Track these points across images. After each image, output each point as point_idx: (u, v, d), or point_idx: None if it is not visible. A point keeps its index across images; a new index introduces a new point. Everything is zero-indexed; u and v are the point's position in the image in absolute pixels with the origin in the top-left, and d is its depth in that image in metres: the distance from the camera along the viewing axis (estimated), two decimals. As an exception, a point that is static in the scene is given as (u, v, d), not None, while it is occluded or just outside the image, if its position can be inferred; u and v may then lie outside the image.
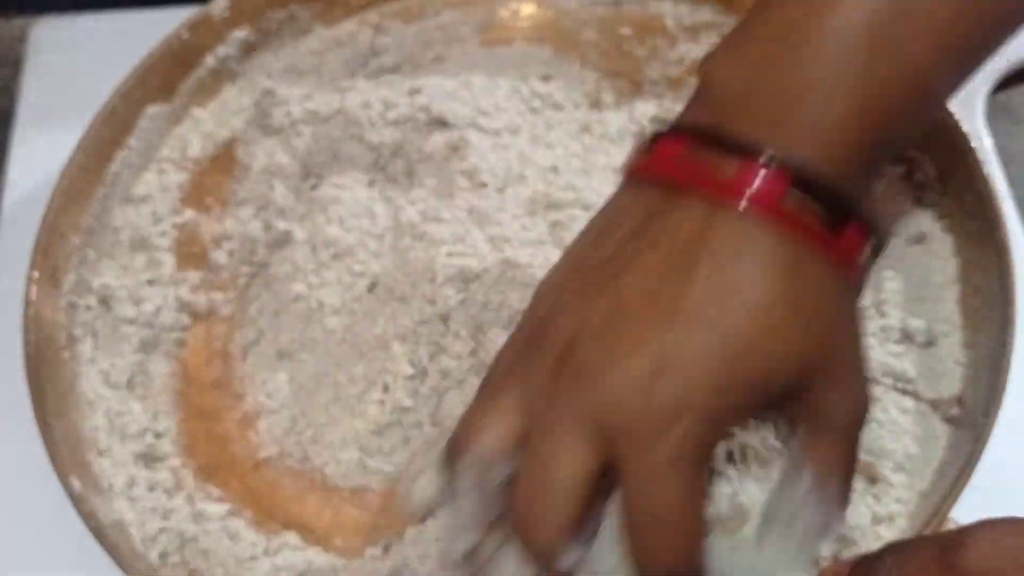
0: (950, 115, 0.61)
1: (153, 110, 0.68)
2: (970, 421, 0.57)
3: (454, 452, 0.46)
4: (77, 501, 0.54)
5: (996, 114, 0.74)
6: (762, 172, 0.43)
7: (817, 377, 0.45)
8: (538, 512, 0.44)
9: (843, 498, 0.48)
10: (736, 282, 0.43)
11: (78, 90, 0.66)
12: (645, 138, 0.48)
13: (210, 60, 0.70)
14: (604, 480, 0.44)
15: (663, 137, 0.47)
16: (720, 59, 0.47)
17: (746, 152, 0.44)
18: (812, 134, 0.44)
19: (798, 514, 0.47)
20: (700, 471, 0.44)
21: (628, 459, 0.43)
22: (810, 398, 0.46)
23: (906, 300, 0.61)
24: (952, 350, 0.59)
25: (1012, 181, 0.71)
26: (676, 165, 0.46)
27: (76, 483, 0.55)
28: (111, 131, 0.66)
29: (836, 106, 0.44)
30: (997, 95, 0.75)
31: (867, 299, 0.60)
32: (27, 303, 0.59)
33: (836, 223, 0.45)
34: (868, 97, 0.45)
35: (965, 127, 0.61)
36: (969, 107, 0.71)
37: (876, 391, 0.58)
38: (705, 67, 0.48)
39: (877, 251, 0.47)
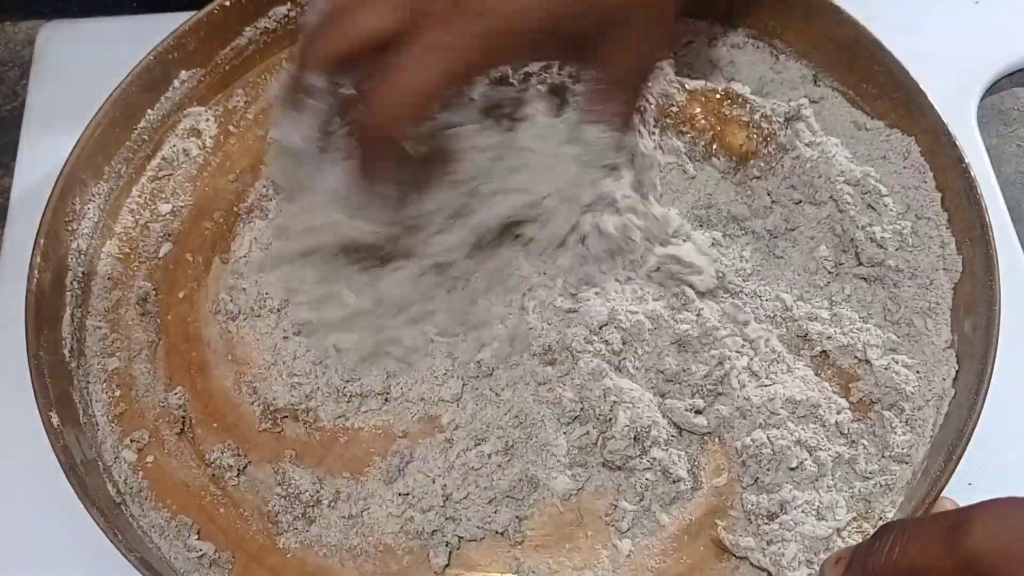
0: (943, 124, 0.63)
1: (187, 74, 0.69)
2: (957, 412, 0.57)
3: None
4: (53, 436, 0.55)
5: (988, 116, 0.76)
6: None
7: (610, 35, 0.54)
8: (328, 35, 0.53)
9: (624, 123, 0.58)
10: None
11: (84, 92, 0.67)
12: None
13: (249, 32, 0.72)
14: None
15: None
16: None
17: None
18: None
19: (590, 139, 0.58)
20: (459, 71, 0.52)
21: (421, 35, 0.51)
22: (602, 53, 0.55)
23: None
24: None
25: (1004, 182, 0.72)
26: None
27: (55, 418, 0.56)
28: (141, 89, 0.67)
29: None
30: (989, 98, 0.77)
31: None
32: (35, 248, 0.61)
33: None
34: None
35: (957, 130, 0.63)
36: (961, 109, 0.73)
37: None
38: None
39: None
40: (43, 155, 0.72)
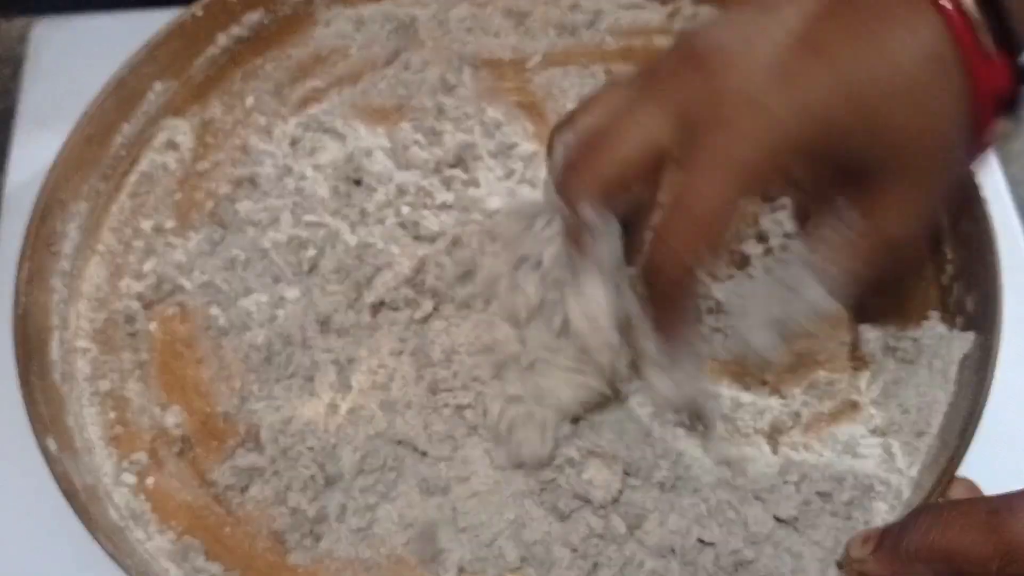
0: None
1: (161, 86, 0.68)
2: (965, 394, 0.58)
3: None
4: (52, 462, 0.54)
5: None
6: None
7: (890, 170, 0.45)
8: (602, 147, 0.46)
9: (841, 285, 0.48)
10: (886, 46, 0.44)
11: (78, 89, 0.66)
12: None
13: (223, 40, 0.71)
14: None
15: None
16: None
17: None
18: None
19: (798, 281, 0.48)
20: (749, 186, 0.45)
21: (702, 145, 0.44)
22: (872, 187, 0.46)
23: None
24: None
25: (1012, 181, 0.72)
26: None
27: (52, 444, 0.55)
28: (117, 103, 0.66)
29: None
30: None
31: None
32: (19, 271, 0.59)
33: (996, 51, 0.44)
34: None
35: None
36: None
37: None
38: None
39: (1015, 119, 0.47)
40: (36, 153, 0.69)
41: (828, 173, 0.46)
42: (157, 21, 0.68)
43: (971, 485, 0.53)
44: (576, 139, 0.48)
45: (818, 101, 0.43)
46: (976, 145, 0.47)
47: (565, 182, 0.47)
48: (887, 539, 0.47)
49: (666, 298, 0.47)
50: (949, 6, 0.43)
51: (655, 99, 0.46)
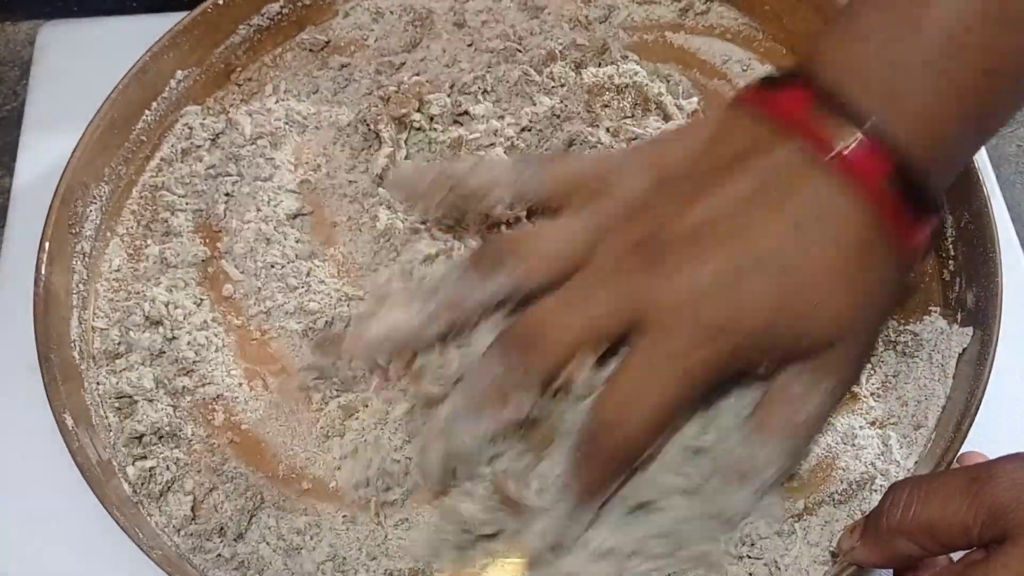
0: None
1: (182, 74, 0.70)
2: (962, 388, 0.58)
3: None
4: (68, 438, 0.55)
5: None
6: (868, 145, 0.46)
7: (831, 343, 0.48)
8: (557, 323, 0.48)
9: (772, 459, 0.51)
10: (812, 240, 0.46)
11: (84, 92, 0.66)
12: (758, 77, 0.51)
13: (243, 29, 0.72)
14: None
15: (789, 83, 0.49)
16: (831, 35, 0.49)
17: (859, 121, 0.46)
18: (919, 116, 0.46)
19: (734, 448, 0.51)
20: (691, 391, 0.48)
21: (647, 344, 0.47)
22: (814, 357, 0.49)
23: None
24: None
25: (1003, 182, 0.73)
26: (798, 111, 0.47)
27: (69, 420, 0.57)
28: (140, 89, 0.67)
29: (945, 88, 0.46)
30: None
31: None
32: (40, 252, 0.61)
33: (918, 215, 0.47)
34: (974, 84, 0.46)
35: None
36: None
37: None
38: (814, 42, 0.50)
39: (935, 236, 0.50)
40: (43, 155, 0.72)
41: (774, 361, 0.49)
42: (161, 25, 0.69)
43: (981, 456, 0.54)
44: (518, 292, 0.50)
45: (755, 309, 0.46)
46: (907, 269, 0.51)
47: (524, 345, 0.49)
48: (871, 520, 0.48)
49: (593, 463, 0.49)
50: (868, 189, 0.46)
51: (611, 286, 0.48)
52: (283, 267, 0.63)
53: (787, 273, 0.46)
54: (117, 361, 0.61)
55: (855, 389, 0.60)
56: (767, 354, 0.49)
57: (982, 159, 0.70)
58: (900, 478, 0.56)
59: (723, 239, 0.47)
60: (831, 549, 0.54)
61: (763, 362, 0.49)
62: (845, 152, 0.46)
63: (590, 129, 0.65)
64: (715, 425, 0.52)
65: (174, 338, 0.62)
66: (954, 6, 0.45)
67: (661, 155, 0.52)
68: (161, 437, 0.59)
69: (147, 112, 0.68)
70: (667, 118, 0.67)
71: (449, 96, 0.68)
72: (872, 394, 0.60)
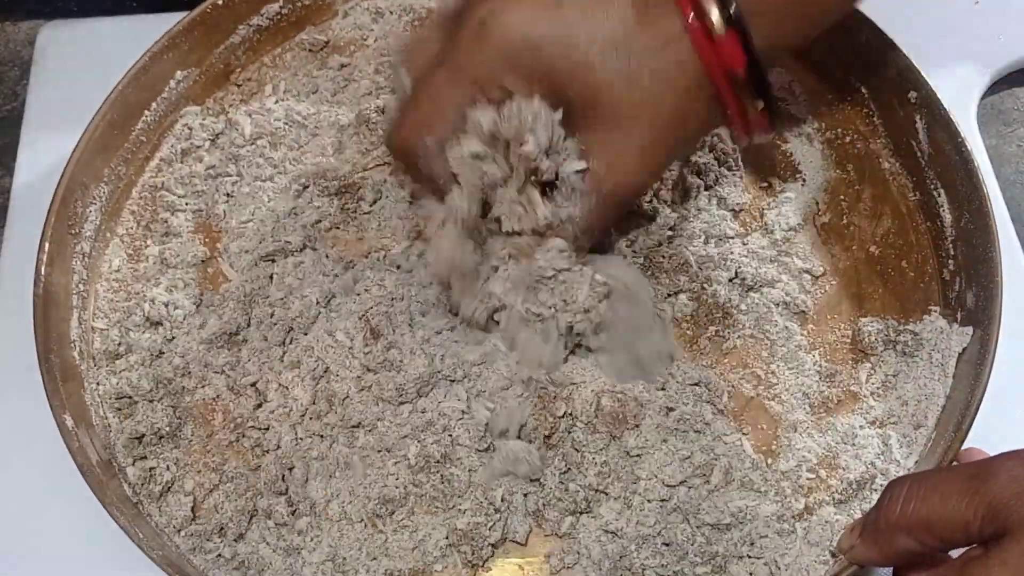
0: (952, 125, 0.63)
1: (181, 74, 0.70)
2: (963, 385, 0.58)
3: None
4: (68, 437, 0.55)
5: (988, 116, 0.77)
6: None
7: (601, 118, 0.52)
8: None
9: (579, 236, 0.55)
10: (613, 15, 0.51)
11: (84, 92, 0.67)
12: None
13: (243, 30, 0.72)
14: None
15: None
16: None
17: None
18: None
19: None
20: (469, 87, 0.52)
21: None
22: (589, 134, 0.53)
23: None
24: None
25: (1004, 182, 0.72)
26: None
27: (69, 420, 0.57)
28: (139, 90, 0.67)
29: None
30: (989, 98, 0.77)
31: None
32: (40, 253, 0.60)
33: (724, 30, 0.50)
34: None
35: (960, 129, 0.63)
36: (962, 110, 0.73)
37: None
38: None
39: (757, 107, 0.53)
40: (43, 155, 0.72)
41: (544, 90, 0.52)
42: (161, 25, 0.69)
43: (981, 452, 0.54)
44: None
45: (539, 36, 0.51)
46: (737, 125, 0.54)
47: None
48: (870, 517, 0.48)
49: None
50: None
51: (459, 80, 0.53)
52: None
53: (582, 26, 0.51)
54: (117, 362, 0.61)
55: (854, 389, 0.60)
56: (536, 82, 0.52)
57: (982, 159, 0.71)
58: (901, 477, 0.56)
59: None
60: (831, 549, 0.54)
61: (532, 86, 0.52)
62: None
63: None
64: None
65: (173, 338, 0.62)
66: None
67: None
68: (161, 437, 0.59)
69: (146, 113, 0.68)
70: None
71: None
72: (872, 394, 0.60)
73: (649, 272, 0.62)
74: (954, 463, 0.54)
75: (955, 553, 0.46)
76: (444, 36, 0.55)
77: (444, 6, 0.58)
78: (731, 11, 0.49)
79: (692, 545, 0.55)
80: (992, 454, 0.46)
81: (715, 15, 0.49)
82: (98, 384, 0.61)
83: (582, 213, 0.55)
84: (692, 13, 0.50)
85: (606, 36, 0.51)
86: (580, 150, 0.54)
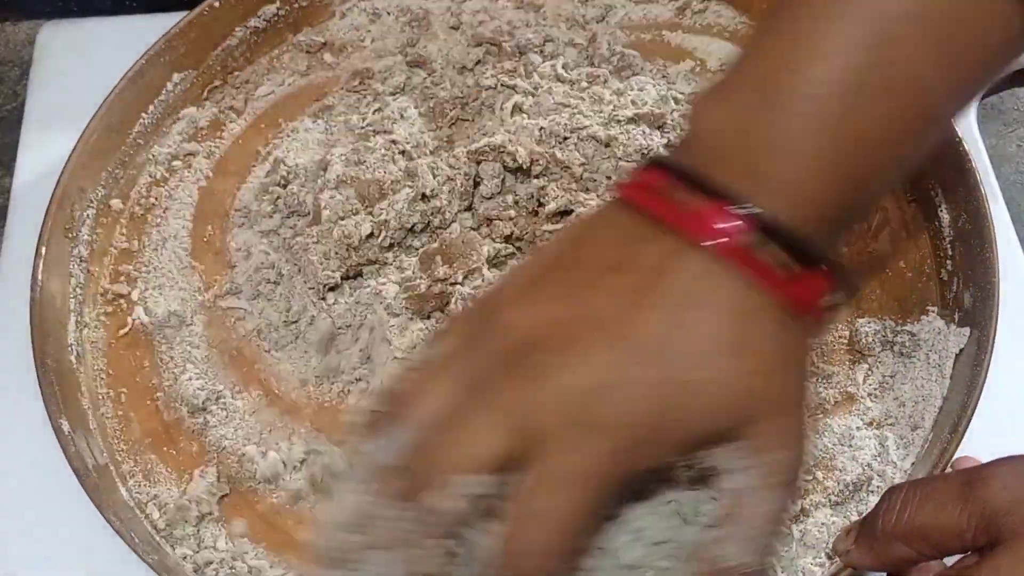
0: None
1: (179, 76, 0.70)
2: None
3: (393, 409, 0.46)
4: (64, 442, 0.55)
5: (988, 116, 0.76)
6: (730, 216, 0.43)
7: (753, 426, 0.44)
8: (440, 463, 0.43)
9: (757, 549, 0.44)
10: (690, 321, 0.43)
11: (84, 92, 0.67)
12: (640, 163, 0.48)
13: (240, 31, 0.72)
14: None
15: (645, 167, 0.46)
16: (706, 103, 0.47)
17: (719, 196, 0.43)
18: (783, 186, 0.44)
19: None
20: (598, 496, 0.43)
21: (538, 460, 0.42)
22: (744, 445, 0.44)
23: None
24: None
25: (1004, 182, 0.72)
26: (652, 197, 0.45)
27: (65, 424, 0.57)
28: (136, 92, 0.68)
29: (808, 160, 0.44)
30: (989, 98, 0.77)
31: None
32: (37, 258, 0.61)
33: (798, 270, 0.43)
34: (840, 153, 0.44)
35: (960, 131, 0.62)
36: (962, 109, 0.73)
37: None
38: (693, 109, 0.47)
39: (848, 296, 0.46)
40: (43, 155, 0.72)
41: (688, 448, 0.44)
42: (161, 25, 0.69)
43: (975, 460, 0.53)
44: (408, 447, 0.45)
45: (642, 397, 0.42)
46: (817, 328, 0.46)
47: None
48: (866, 523, 0.48)
49: None
50: (736, 259, 0.43)
51: (486, 410, 0.44)
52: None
53: (668, 355, 0.43)
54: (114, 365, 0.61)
55: (851, 390, 0.59)
56: (672, 446, 0.44)
57: (982, 159, 0.70)
58: (897, 479, 0.56)
59: (598, 335, 0.43)
60: (827, 551, 0.54)
61: (671, 455, 0.45)
62: (709, 230, 0.43)
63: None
64: (644, 538, 0.47)
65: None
66: (819, 76, 0.43)
67: (534, 263, 0.48)
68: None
69: (144, 116, 0.68)
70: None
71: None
72: (869, 395, 0.60)
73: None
74: (948, 470, 0.54)
75: (951, 560, 0.46)
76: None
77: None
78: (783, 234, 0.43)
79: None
80: (986, 456, 0.46)
81: (788, 264, 0.43)
82: (95, 387, 0.61)
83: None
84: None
85: (699, 346, 0.43)
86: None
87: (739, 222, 0.43)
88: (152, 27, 0.70)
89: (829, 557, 0.54)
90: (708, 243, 0.43)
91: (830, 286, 0.44)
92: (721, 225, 0.43)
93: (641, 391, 0.42)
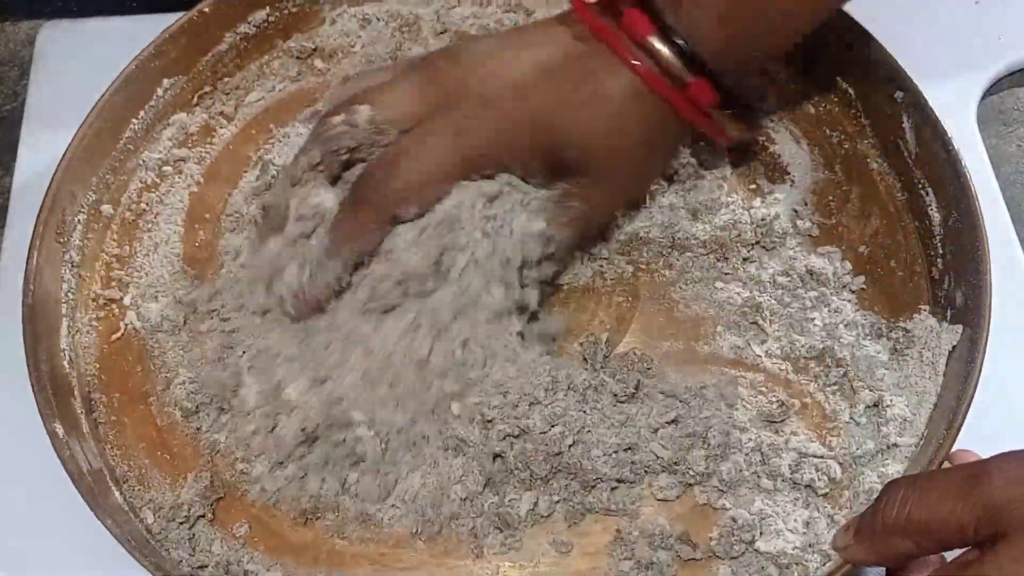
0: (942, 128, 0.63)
1: (168, 82, 0.70)
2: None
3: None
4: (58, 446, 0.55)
5: (988, 116, 0.77)
6: (646, 25, 0.56)
7: (590, 169, 0.57)
8: (358, 99, 0.57)
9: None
10: (592, 90, 0.56)
11: (84, 92, 0.67)
12: None
13: (230, 37, 0.72)
14: None
15: None
16: None
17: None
18: (691, 21, 0.56)
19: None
20: (455, 163, 0.56)
21: (435, 119, 0.56)
22: (578, 180, 0.58)
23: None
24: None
25: (1004, 182, 0.72)
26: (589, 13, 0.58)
27: (59, 429, 0.56)
28: (126, 97, 0.67)
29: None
30: (989, 98, 0.77)
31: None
32: (30, 260, 0.60)
33: (690, 78, 0.56)
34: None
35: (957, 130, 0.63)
36: (962, 109, 0.74)
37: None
38: None
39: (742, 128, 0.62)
40: (43, 155, 0.71)
41: (538, 166, 0.57)
42: (161, 25, 0.69)
43: (973, 455, 0.54)
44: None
45: (543, 113, 0.56)
46: (717, 137, 0.62)
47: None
48: (865, 519, 0.48)
49: (359, 217, 0.56)
50: (638, 62, 0.56)
51: (413, 76, 0.58)
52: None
53: (570, 99, 0.56)
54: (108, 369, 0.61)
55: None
56: (527, 151, 0.57)
57: (982, 159, 0.71)
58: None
59: (524, 70, 0.57)
60: (824, 548, 0.54)
61: (524, 157, 0.57)
62: (614, 29, 0.56)
63: None
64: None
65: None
66: None
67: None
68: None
69: (134, 121, 0.68)
70: None
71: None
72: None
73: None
74: (945, 464, 0.54)
75: (951, 555, 0.46)
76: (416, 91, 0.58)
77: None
78: (682, 49, 0.56)
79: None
80: (982, 453, 0.46)
81: (676, 64, 0.56)
82: (88, 391, 0.61)
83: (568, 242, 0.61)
84: (653, 67, 0.56)
85: (583, 98, 0.56)
86: (561, 193, 0.58)
87: (639, 21, 0.56)
88: (152, 27, 0.70)
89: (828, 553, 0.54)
90: (609, 44, 0.56)
91: (713, 99, 0.57)
92: (629, 26, 0.56)
93: (545, 109, 0.56)
